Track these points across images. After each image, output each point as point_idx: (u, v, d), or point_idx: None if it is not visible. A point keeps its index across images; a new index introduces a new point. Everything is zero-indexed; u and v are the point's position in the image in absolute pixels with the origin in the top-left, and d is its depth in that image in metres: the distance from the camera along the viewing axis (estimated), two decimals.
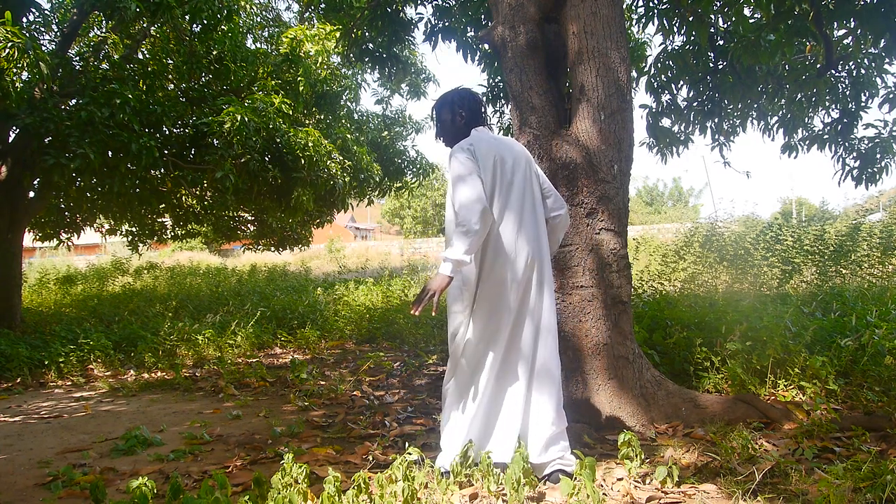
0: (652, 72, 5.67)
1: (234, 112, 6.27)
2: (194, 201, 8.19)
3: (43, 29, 7.29)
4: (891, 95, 5.28)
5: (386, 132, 11.64)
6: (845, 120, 5.63)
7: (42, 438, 3.44)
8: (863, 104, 5.55)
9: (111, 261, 15.50)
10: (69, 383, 5.00)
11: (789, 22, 4.42)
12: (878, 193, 14.04)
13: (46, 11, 7.35)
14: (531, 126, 3.26)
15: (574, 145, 3.19)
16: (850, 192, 65.41)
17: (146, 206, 7.83)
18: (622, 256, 3.21)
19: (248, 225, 9.76)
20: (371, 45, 6.23)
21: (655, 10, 5.37)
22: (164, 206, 8.04)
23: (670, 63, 5.56)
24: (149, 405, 4.19)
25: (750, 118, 6.12)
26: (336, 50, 7.78)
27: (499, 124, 6.67)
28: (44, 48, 6.21)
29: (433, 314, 2.34)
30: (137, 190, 6.96)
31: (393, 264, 17.72)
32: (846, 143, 5.67)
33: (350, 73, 9.95)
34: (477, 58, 5.96)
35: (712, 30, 5.24)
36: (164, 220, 9.08)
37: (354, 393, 4.25)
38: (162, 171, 6.67)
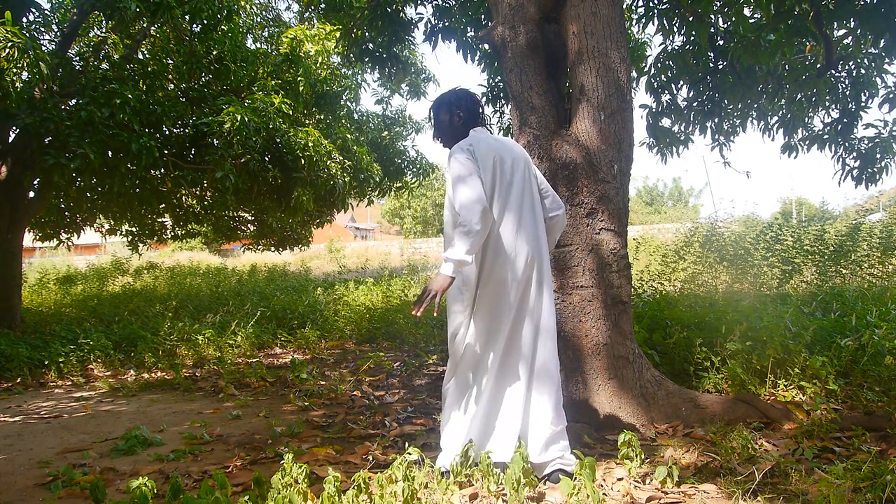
0: (652, 72, 5.67)
1: (234, 112, 6.27)
2: (194, 201, 8.19)
3: (43, 29, 7.29)
4: (891, 95, 5.28)
5: (386, 132, 11.64)
6: (845, 120, 5.63)
7: (42, 438, 3.44)
8: (863, 104, 5.55)
9: (111, 261, 15.50)
10: (69, 383, 5.00)
11: (789, 22, 4.43)
12: (878, 193, 14.04)
13: (46, 11, 7.35)
14: (531, 126, 3.26)
15: (574, 145, 3.19)
16: (850, 192, 65.46)
17: (146, 206, 7.83)
18: (622, 256, 3.21)
19: (248, 225, 9.77)
20: (371, 45, 6.23)
21: (655, 10, 5.37)
22: (164, 206, 8.04)
23: (670, 63, 5.56)
24: (149, 405, 4.19)
25: (750, 118, 6.12)
26: (336, 50, 7.78)
27: (499, 124, 6.67)
28: (44, 48, 6.21)
29: (434, 315, 2.34)
30: (137, 190, 6.96)
31: (393, 264, 17.72)
32: (846, 143, 5.67)
33: (350, 73, 9.95)
34: (477, 58, 5.96)
35: (712, 30, 5.24)
36: (164, 220, 9.08)
37: (354, 393, 4.25)
38: (162, 171, 6.67)
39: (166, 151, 6.66)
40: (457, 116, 2.65)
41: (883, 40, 4.67)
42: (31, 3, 6.32)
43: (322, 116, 9.34)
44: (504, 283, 2.45)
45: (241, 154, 6.45)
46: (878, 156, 5.56)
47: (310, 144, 6.97)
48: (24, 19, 6.43)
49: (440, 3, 5.89)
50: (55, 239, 8.25)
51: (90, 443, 3.31)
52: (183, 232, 9.37)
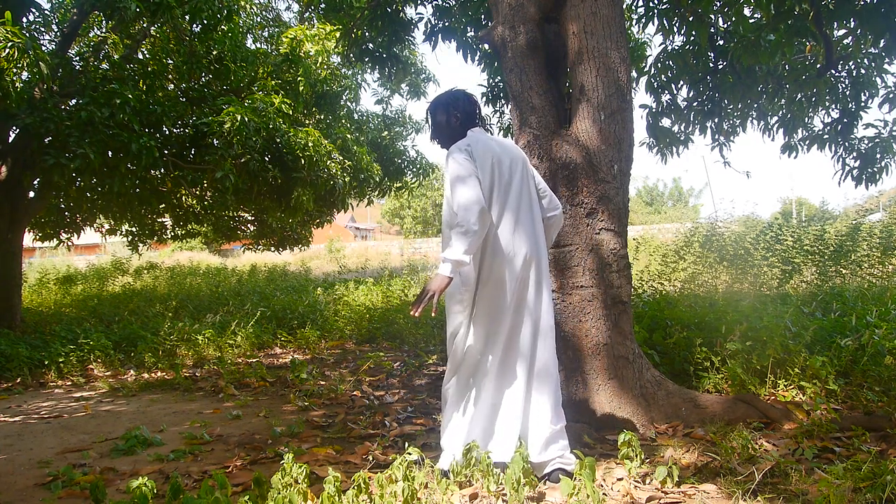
0: (652, 72, 5.67)
1: (234, 112, 6.27)
2: (194, 201, 8.19)
3: (43, 29, 7.29)
4: (891, 95, 5.29)
5: (386, 132, 11.64)
6: (845, 120, 5.63)
7: (42, 438, 3.44)
8: (863, 104, 5.55)
9: (111, 261, 15.50)
10: (69, 383, 5.00)
11: (789, 22, 4.43)
12: (878, 193, 14.03)
13: (46, 11, 7.35)
14: (531, 126, 3.26)
15: (574, 145, 3.19)
16: (850, 192, 65.39)
17: (146, 206, 7.83)
18: (622, 256, 3.21)
19: (248, 225, 9.76)
20: (371, 45, 6.23)
21: (655, 10, 5.37)
22: (164, 206, 8.04)
23: (670, 63, 5.56)
24: (149, 405, 4.19)
25: (750, 118, 6.12)
26: (336, 50, 7.78)
27: (499, 124, 6.67)
28: (44, 48, 6.21)
29: (433, 315, 2.35)
30: (137, 190, 6.96)
31: (393, 264, 17.71)
32: (846, 143, 5.67)
33: (350, 73, 9.95)
34: (477, 58, 5.96)
35: (712, 30, 5.24)
36: (164, 220, 9.08)
37: (354, 393, 4.25)
38: (162, 171, 6.66)
39: (166, 151, 6.66)
40: (454, 117, 2.66)
41: (883, 40, 4.67)
42: (31, 3, 6.32)
43: (322, 116, 9.34)
44: (503, 282, 2.46)
45: (241, 154, 6.45)
46: (878, 156, 5.56)
47: (310, 144, 6.97)
48: (24, 19, 6.43)
49: (440, 3, 5.89)
50: (55, 239, 8.25)
51: (90, 443, 3.31)
52: (183, 232, 9.37)
